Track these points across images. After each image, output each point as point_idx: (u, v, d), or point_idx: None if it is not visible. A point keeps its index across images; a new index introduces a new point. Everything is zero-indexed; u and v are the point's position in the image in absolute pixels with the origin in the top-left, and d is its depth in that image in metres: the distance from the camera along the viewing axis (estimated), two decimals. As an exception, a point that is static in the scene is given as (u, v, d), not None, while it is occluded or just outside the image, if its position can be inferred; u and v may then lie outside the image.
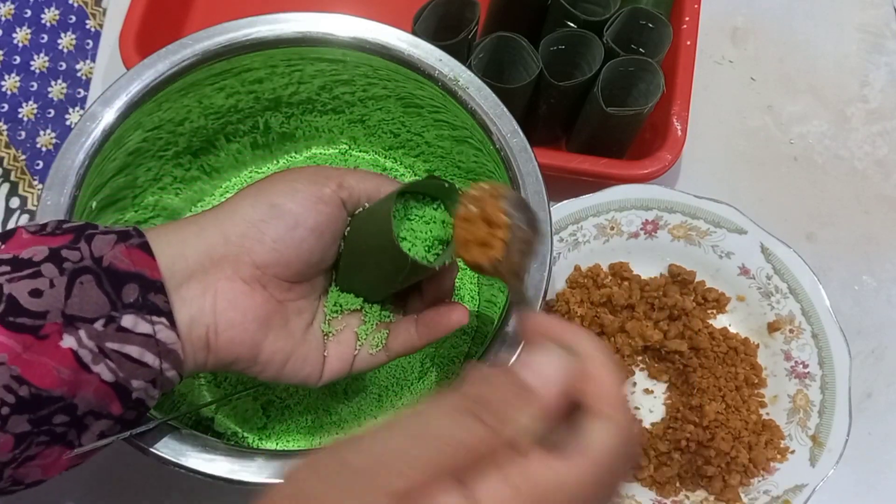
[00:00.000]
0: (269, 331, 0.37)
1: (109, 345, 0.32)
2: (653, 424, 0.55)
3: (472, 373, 0.26)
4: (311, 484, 0.23)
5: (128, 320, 0.32)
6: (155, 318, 0.33)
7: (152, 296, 0.33)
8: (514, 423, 0.24)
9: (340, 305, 0.41)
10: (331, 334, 0.41)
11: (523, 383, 0.26)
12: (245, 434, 0.49)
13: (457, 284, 0.55)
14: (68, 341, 0.31)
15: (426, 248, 0.39)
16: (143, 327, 0.32)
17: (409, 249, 0.38)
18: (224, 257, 0.36)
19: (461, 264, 0.56)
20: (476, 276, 0.55)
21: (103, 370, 0.32)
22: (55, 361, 0.31)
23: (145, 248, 0.34)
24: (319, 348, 0.40)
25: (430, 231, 0.39)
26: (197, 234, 0.36)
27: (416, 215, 0.39)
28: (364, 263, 0.40)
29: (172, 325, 0.33)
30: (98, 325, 0.32)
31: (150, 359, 0.33)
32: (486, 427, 0.24)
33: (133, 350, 0.32)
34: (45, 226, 0.34)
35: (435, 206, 0.39)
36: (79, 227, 0.34)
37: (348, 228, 0.40)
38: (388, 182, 0.41)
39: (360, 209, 0.40)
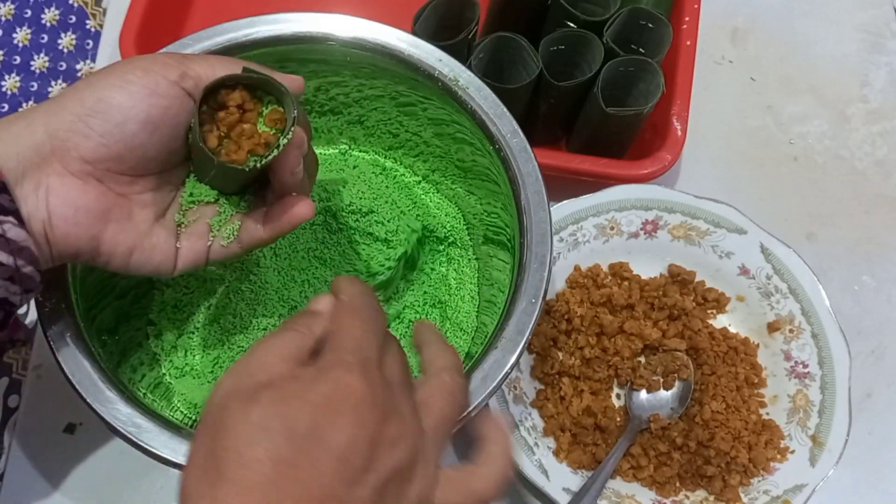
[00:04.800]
0: (107, 224, 0.37)
1: None
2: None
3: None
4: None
5: None
6: (2, 218, 0.33)
7: None
8: (314, 326, 0.33)
9: (194, 196, 0.40)
10: (184, 225, 0.40)
11: (310, 310, 0.35)
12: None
13: (455, 284, 0.55)
14: None
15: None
16: None
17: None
18: (52, 152, 0.35)
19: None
20: (476, 276, 0.55)
21: None
22: None
23: None
24: (170, 240, 0.40)
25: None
26: (27, 130, 0.35)
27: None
28: (201, 155, 0.39)
29: (21, 222, 0.34)
30: None
31: (3, 257, 0.33)
32: (299, 331, 0.33)
33: None
34: None
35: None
36: None
37: (193, 120, 0.38)
38: (240, 67, 0.39)
39: None
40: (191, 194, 0.40)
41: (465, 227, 0.56)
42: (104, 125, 0.35)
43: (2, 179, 0.33)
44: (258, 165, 0.37)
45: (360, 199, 0.53)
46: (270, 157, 0.38)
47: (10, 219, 0.33)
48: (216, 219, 0.41)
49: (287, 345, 0.32)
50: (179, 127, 0.38)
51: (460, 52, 0.54)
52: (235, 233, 0.41)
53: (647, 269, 0.60)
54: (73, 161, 0.35)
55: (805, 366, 0.56)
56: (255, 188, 0.42)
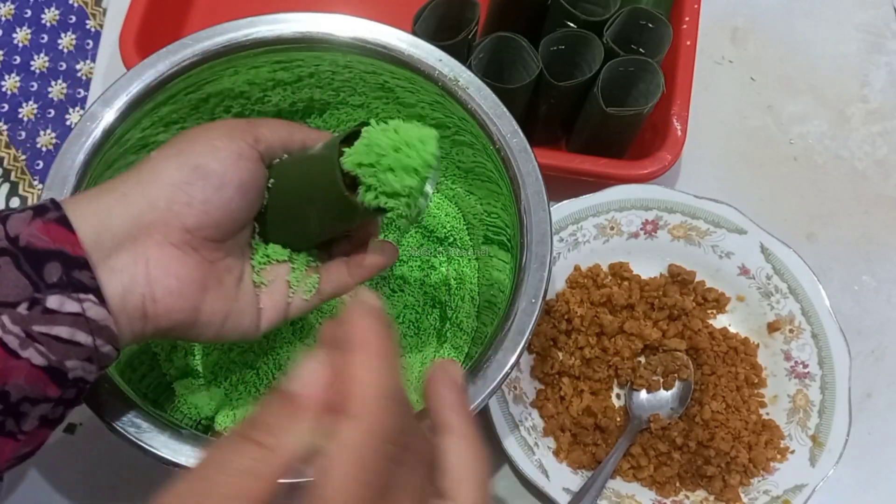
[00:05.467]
0: (206, 293, 0.37)
1: (36, 328, 0.31)
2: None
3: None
4: None
5: (53, 301, 0.31)
6: (82, 296, 0.32)
7: (77, 273, 0.32)
8: (286, 434, 0.24)
9: (268, 256, 0.41)
10: (263, 285, 0.40)
11: (286, 393, 0.25)
12: (245, 434, 0.49)
13: (455, 284, 0.55)
14: None
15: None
16: (71, 306, 0.31)
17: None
18: (152, 223, 0.34)
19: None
20: (476, 277, 0.55)
21: (33, 355, 0.31)
22: None
23: (64, 221, 0.32)
24: (253, 301, 0.40)
25: None
26: (121, 201, 0.34)
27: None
28: (298, 214, 0.39)
29: (101, 301, 0.32)
30: (22, 309, 0.30)
31: (83, 337, 0.32)
32: (260, 446, 0.24)
33: (62, 331, 0.31)
34: None
35: None
36: None
37: (272, 180, 0.39)
38: (297, 129, 0.40)
39: (278, 160, 0.40)
40: (263, 254, 0.41)
41: (465, 227, 0.56)
42: (205, 192, 0.35)
43: (83, 256, 0.32)
44: (398, 209, 0.36)
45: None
46: (404, 200, 0.36)
47: (91, 297, 0.32)
48: (293, 275, 0.41)
49: (237, 483, 0.23)
50: (260, 188, 0.39)
51: (460, 52, 0.54)
52: (315, 286, 0.42)
53: (647, 269, 0.60)
54: (175, 230, 0.35)
55: (805, 366, 0.56)
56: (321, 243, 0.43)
